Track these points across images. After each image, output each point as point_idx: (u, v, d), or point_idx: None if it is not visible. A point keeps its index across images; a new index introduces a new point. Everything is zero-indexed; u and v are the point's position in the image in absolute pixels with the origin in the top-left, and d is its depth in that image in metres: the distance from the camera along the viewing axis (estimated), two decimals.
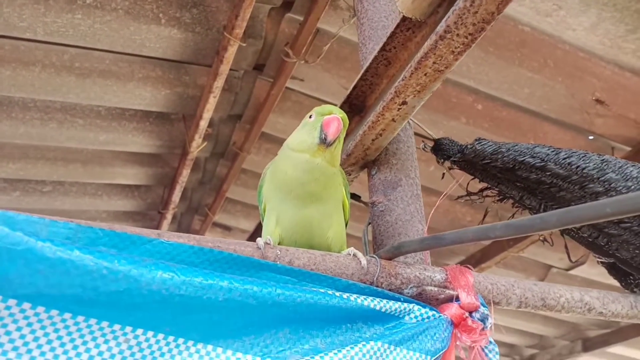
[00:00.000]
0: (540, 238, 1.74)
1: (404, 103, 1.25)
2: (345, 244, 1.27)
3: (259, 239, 1.11)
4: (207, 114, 3.00)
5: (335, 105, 1.36)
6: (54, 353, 0.76)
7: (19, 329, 0.74)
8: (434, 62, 1.14)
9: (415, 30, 1.30)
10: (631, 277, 1.64)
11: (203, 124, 3.07)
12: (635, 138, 3.06)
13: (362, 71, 1.41)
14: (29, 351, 0.75)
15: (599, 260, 1.74)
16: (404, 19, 1.27)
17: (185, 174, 3.41)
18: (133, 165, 3.51)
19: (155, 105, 3.11)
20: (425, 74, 1.17)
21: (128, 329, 0.81)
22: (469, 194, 1.55)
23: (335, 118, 1.20)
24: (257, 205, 4.13)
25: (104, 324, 0.79)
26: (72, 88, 2.83)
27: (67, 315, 0.77)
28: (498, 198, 1.54)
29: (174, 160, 3.56)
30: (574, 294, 1.34)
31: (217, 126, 3.37)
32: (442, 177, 1.55)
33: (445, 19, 1.07)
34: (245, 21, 2.55)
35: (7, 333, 0.74)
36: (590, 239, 1.46)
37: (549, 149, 1.43)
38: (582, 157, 1.42)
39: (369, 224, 1.44)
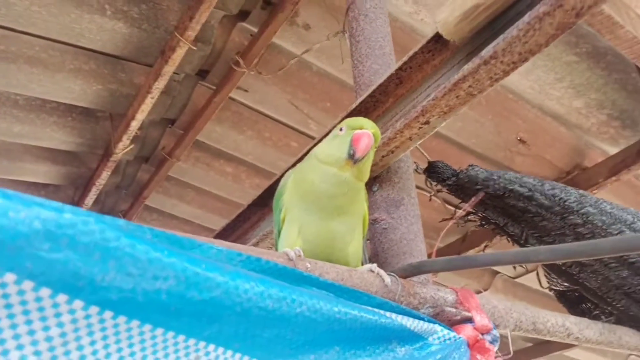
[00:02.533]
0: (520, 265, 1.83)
1: (427, 122, 1.26)
2: (360, 261, 1.24)
3: (287, 249, 1.06)
4: (141, 115, 2.83)
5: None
6: None
7: (92, 343, 0.63)
8: (470, 86, 1.17)
9: (435, 53, 1.32)
10: (586, 305, 1.77)
11: (135, 124, 2.89)
12: (549, 177, 3.32)
13: (374, 87, 1.40)
14: None
15: (552, 287, 1.85)
16: (429, 41, 1.29)
17: (105, 175, 3.18)
18: (45, 162, 3.21)
19: (83, 100, 2.88)
20: (457, 96, 1.19)
21: (201, 344, 0.72)
22: (452, 217, 1.59)
23: (366, 134, 1.16)
24: (175, 215, 3.96)
25: (180, 337, 0.70)
26: None
27: (146, 328, 0.66)
28: (479, 223, 1.59)
29: (92, 161, 3.30)
30: (557, 319, 1.41)
31: (146, 129, 3.18)
32: (430, 200, 1.57)
33: (493, 44, 1.10)
34: (200, 24, 2.46)
35: (79, 348, 0.62)
36: (564, 267, 1.55)
37: (534, 180, 1.51)
38: (564, 190, 1.51)
39: (367, 240, 1.42)
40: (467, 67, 1.14)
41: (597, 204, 1.51)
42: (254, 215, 1.86)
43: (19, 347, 0.59)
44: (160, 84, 2.68)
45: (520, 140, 3.18)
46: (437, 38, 1.29)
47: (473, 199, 1.41)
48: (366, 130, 1.17)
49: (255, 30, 2.70)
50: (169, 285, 0.66)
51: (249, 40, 2.75)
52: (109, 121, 3.10)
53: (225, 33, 2.78)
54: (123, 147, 3.03)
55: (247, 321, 0.75)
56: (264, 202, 1.81)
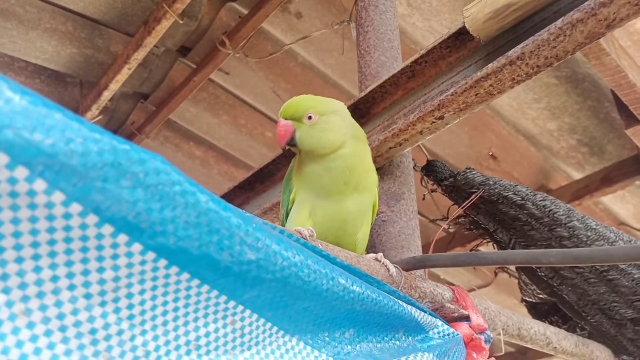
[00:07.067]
0: (502, 270, 1.85)
1: (441, 118, 1.25)
2: (365, 249, 1.22)
3: (300, 228, 1.02)
4: (115, 85, 2.73)
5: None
6: (168, 318, 0.61)
7: (142, 292, 0.58)
8: (491, 85, 1.16)
9: (453, 50, 1.31)
10: (553, 318, 1.80)
11: (107, 94, 2.77)
12: None
13: (385, 78, 1.39)
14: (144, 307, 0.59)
15: (525, 299, 1.88)
16: (450, 36, 1.29)
17: None
18: None
19: (55, 63, 2.75)
20: (476, 94, 1.19)
21: (239, 308, 0.68)
22: (444, 218, 1.59)
23: (278, 126, 1.13)
24: None
25: (222, 298, 0.65)
26: None
27: (194, 282, 0.62)
28: (468, 227, 1.60)
29: None
30: (539, 327, 1.42)
31: (116, 101, 3.07)
32: (423, 199, 1.57)
33: (522, 45, 1.10)
34: None
35: (129, 296, 0.57)
36: (545, 278, 1.58)
37: (527, 189, 1.53)
38: (554, 202, 1.53)
39: None
40: (492, 66, 1.14)
41: (583, 219, 1.54)
42: (237, 198, 1.81)
43: (71, 287, 0.53)
44: (139, 55, 2.58)
45: (491, 155, 3.25)
46: (458, 35, 1.29)
47: (473, 196, 1.41)
48: (280, 120, 1.14)
49: (245, 11, 2.65)
50: (222, 241, 0.61)
51: (236, 21, 2.69)
52: (78, 88, 2.97)
53: (213, 11, 2.71)
54: (91, 117, 2.91)
55: (283, 289, 0.71)
56: (251, 186, 1.76)
